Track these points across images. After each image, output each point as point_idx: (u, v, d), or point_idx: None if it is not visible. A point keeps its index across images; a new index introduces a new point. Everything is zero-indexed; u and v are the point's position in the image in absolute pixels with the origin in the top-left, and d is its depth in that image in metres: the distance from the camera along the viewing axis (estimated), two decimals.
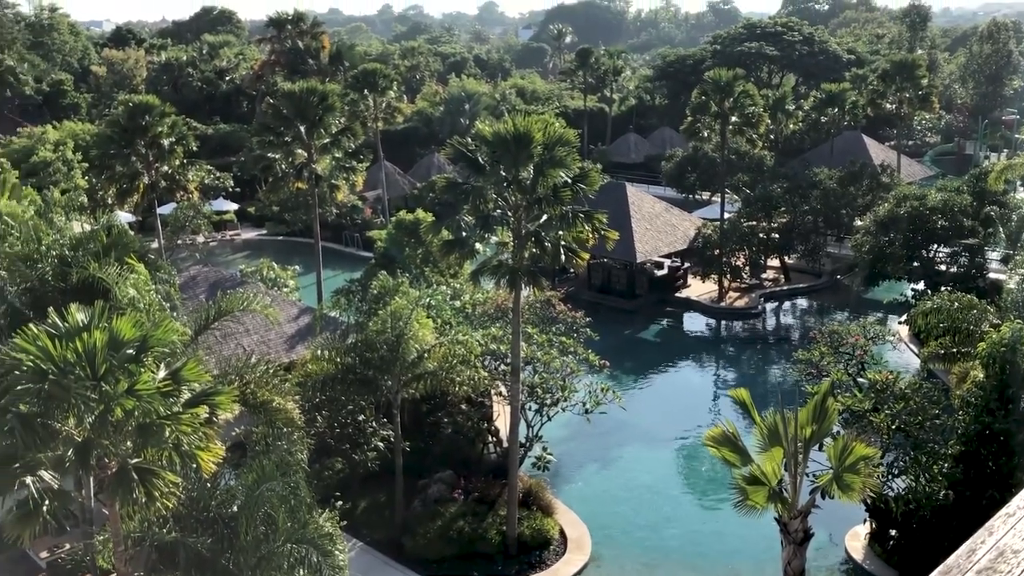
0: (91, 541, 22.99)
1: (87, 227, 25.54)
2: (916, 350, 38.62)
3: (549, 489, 30.87)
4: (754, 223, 54.95)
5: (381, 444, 29.66)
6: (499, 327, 32.82)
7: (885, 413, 25.41)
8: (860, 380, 28.65)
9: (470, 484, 30.34)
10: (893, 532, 26.46)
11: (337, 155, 46.56)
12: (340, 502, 25.57)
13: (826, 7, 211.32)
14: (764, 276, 57.08)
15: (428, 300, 31.86)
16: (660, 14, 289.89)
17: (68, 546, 27.86)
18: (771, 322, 53.91)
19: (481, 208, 25.45)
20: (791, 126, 78.09)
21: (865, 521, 27.62)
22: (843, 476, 19.44)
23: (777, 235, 55.57)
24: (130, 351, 16.37)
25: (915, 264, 46.43)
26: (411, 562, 27.82)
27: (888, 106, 73.99)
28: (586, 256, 26.74)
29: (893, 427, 25.39)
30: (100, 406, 16.06)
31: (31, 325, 16.45)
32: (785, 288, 56.71)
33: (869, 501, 25.65)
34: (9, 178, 47.80)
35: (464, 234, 26.04)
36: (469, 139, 25.95)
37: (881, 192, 57.09)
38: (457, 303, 35.01)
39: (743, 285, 55.62)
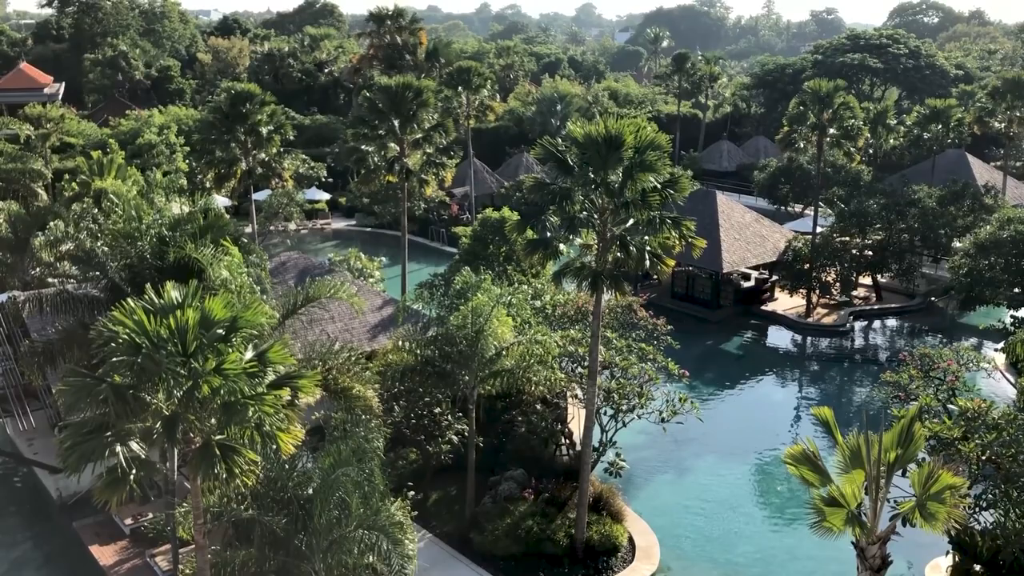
0: (172, 512, 23.76)
1: (185, 209, 26.37)
2: (1013, 380, 37.03)
3: (620, 495, 30.64)
4: (847, 239, 53.60)
5: (455, 438, 29.89)
6: (578, 329, 32.71)
7: (975, 443, 24.42)
8: (950, 407, 27.61)
9: (541, 484, 30.32)
10: (978, 568, 25.42)
11: (428, 150, 47.14)
12: (412, 492, 25.86)
13: (935, 20, 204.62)
14: (854, 293, 55.51)
15: (509, 298, 31.93)
16: (760, 21, 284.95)
17: (151, 515, 28.91)
18: (859, 341, 52.41)
19: (567, 209, 25.36)
20: (891, 141, 75.83)
21: (948, 553, 26.62)
22: (927, 504, 18.76)
23: (870, 252, 54.06)
24: (220, 331, 16.86)
25: (1016, 290, 44.55)
26: (478, 557, 27.97)
27: (996, 125, 71.10)
28: (671, 263, 26.39)
29: (983, 458, 24.39)
30: (188, 382, 16.59)
31: (129, 300, 17.08)
32: (876, 307, 55.10)
33: (953, 533, 24.71)
34: (116, 158, 49.92)
35: (549, 234, 26.02)
36: (559, 140, 25.90)
37: (983, 214, 55.04)
38: (537, 303, 35.02)
39: (832, 302, 54.25)
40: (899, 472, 20.22)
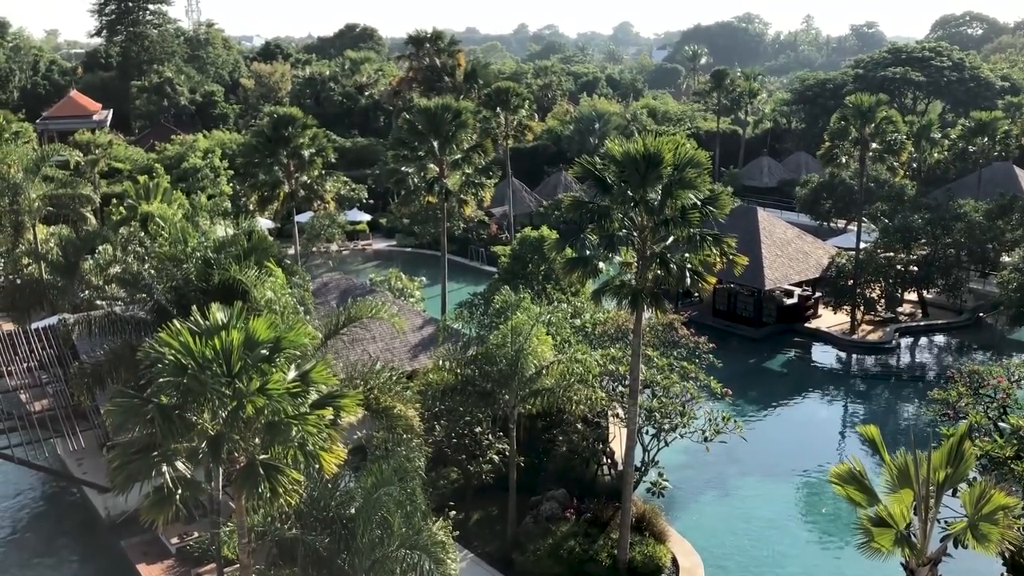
0: (217, 531, 23.98)
1: (230, 231, 26.79)
2: None
3: (663, 515, 30.36)
4: (892, 254, 52.81)
5: (496, 457, 29.86)
6: (619, 348, 32.57)
7: None
8: (1001, 425, 27.00)
9: (583, 504, 30.15)
10: None
11: (467, 171, 47.42)
12: (454, 512, 25.85)
13: (979, 32, 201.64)
14: (900, 310, 54.64)
15: (548, 317, 31.92)
16: (800, 37, 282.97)
17: (197, 534, 29.23)
18: (905, 358, 51.51)
19: (606, 227, 25.34)
20: (936, 155, 74.74)
21: None
22: (979, 525, 18.31)
23: (916, 268, 53.19)
24: (264, 351, 17.05)
25: None
26: None
27: None
28: (712, 280, 26.21)
29: None
30: (233, 402, 16.78)
31: (175, 321, 17.36)
32: (922, 323, 54.14)
33: (1008, 555, 24.07)
34: (162, 183, 50.96)
35: (588, 253, 26.00)
36: (597, 158, 25.91)
37: None
38: (577, 321, 34.96)
39: (877, 318, 53.45)
40: (949, 492, 19.80)
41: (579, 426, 31.66)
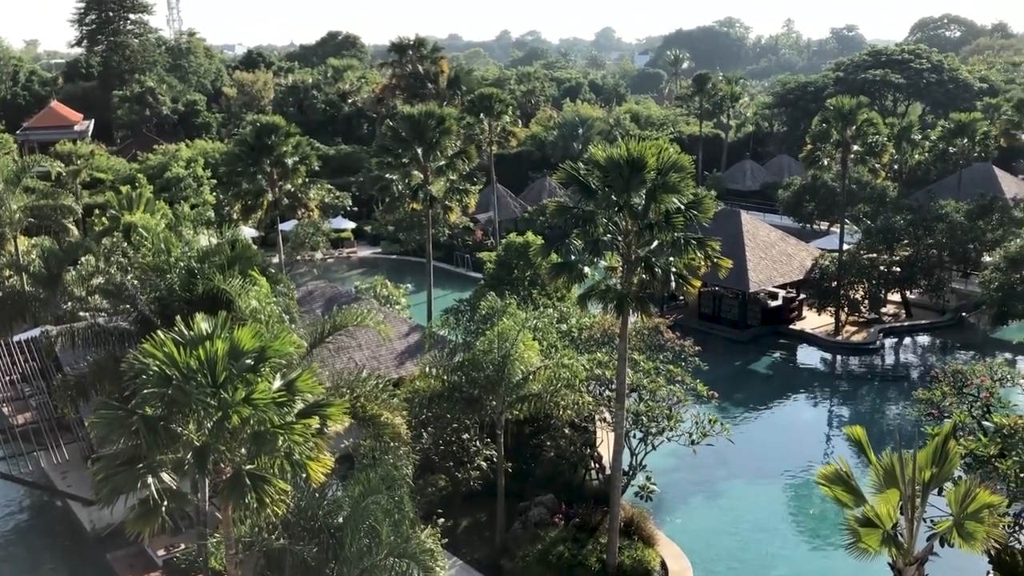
0: (204, 542, 23.81)
1: (213, 241, 26.69)
2: None
3: (652, 519, 30.38)
4: (874, 255, 53.16)
5: (484, 464, 29.81)
6: (605, 352, 32.61)
7: (1013, 460, 24.00)
8: (985, 424, 27.19)
9: (571, 509, 30.14)
10: None
11: (452, 177, 47.39)
12: (442, 519, 25.79)
13: (957, 34, 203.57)
14: (883, 311, 54.99)
15: (535, 322, 31.92)
16: (780, 40, 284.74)
17: (183, 546, 29.01)
18: (890, 359, 51.81)
19: (591, 232, 25.39)
20: (916, 156, 75.37)
21: (988, 574, 26.11)
22: (965, 524, 18.42)
23: (899, 268, 53.57)
24: (249, 361, 16.97)
25: None
26: None
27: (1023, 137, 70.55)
28: (697, 284, 26.28)
29: (1022, 475, 23.96)
30: (218, 413, 16.68)
31: (159, 332, 17.26)
32: (906, 324, 54.51)
33: (993, 553, 24.23)
34: (145, 193, 50.76)
35: (573, 258, 26.01)
36: (581, 163, 25.96)
37: (1013, 227, 54.46)
38: (563, 326, 34.98)
39: (861, 319, 53.76)
40: (935, 491, 19.92)
41: (566, 431, 31.66)
